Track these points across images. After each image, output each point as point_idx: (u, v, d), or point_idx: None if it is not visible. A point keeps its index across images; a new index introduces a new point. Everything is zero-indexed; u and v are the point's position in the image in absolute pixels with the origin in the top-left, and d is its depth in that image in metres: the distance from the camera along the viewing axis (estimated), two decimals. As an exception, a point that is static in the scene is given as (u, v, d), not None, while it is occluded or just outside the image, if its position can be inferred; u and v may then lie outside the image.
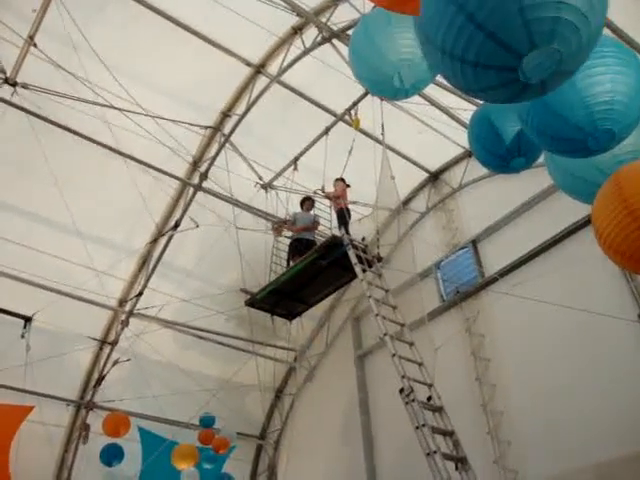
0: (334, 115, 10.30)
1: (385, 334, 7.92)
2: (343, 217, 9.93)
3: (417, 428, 6.75)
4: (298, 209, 11.02)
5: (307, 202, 10.89)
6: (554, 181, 4.27)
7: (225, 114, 10.40)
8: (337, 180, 10.29)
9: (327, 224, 10.82)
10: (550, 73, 2.47)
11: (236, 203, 10.76)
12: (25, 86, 8.62)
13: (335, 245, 9.52)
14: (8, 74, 8.53)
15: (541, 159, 4.37)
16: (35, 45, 8.39)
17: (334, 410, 12.24)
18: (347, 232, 9.65)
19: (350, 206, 11.08)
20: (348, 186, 10.36)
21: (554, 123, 3.15)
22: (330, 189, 10.27)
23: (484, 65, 2.49)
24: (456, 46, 2.49)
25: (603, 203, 3.32)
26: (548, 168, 4.25)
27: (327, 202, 10.83)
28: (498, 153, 4.21)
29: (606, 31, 6.76)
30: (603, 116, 3.00)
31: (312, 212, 10.86)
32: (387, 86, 4.32)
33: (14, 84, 8.59)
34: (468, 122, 4.66)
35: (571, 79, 2.92)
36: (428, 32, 2.63)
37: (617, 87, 3.00)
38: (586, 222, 8.39)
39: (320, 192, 10.38)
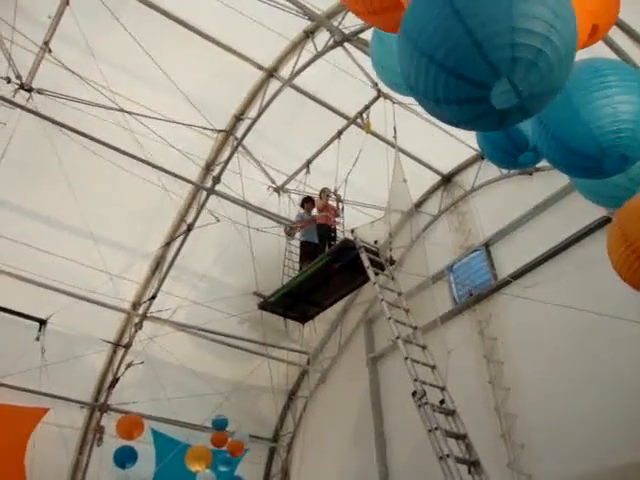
0: (346, 118, 10.32)
1: (397, 337, 7.93)
2: (331, 236, 10.04)
3: (430, 431, 6.75)
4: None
5: (308, 203, 10.93)
6: (573, 181, 4.23)
7: (238, 118, 10.45)
8: (326, 193, 10.40)
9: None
10: (521, 99, 2.43)
11: (249, 206, 10.80)
12: (40, 91, 8.73)
13: (347, 248, 9.52)
14: (24, 80, 8.63)
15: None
16: (50, 51, 8.50)
17: (347, 413, 12.23)
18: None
19: (362, 208, 11.13)
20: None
21: (567, 154, 3.26)
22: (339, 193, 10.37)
23: (456, 101, 2.51)
24: (428, 88, 2.53)
25: (612, 241, 3.55)
26: None
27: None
28: (506, 148, 4.15)
29: (618, 32, 6.71)
30: (612, 144, 3.11)
31: (314, 212, 10.88)
32: None
33: (29, 89, 8.69)
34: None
35: (577, 112, 3.02)
36: (404, 76, 2.68)
37: (621, 116, 3.09)
38: (599, 224, 8.35)
39: (333, 195, 10.45)
